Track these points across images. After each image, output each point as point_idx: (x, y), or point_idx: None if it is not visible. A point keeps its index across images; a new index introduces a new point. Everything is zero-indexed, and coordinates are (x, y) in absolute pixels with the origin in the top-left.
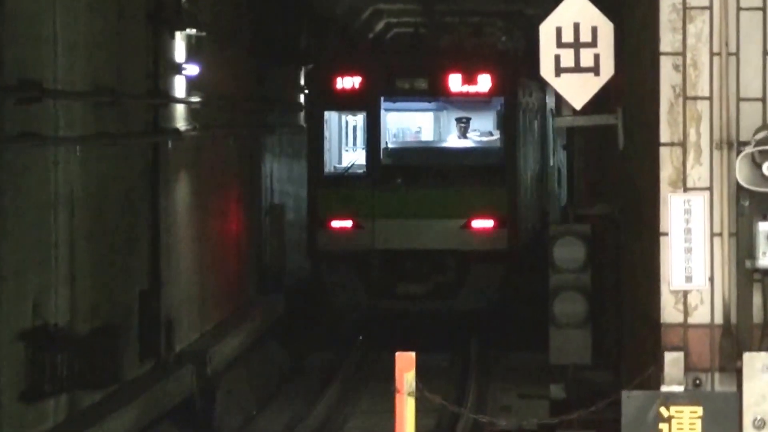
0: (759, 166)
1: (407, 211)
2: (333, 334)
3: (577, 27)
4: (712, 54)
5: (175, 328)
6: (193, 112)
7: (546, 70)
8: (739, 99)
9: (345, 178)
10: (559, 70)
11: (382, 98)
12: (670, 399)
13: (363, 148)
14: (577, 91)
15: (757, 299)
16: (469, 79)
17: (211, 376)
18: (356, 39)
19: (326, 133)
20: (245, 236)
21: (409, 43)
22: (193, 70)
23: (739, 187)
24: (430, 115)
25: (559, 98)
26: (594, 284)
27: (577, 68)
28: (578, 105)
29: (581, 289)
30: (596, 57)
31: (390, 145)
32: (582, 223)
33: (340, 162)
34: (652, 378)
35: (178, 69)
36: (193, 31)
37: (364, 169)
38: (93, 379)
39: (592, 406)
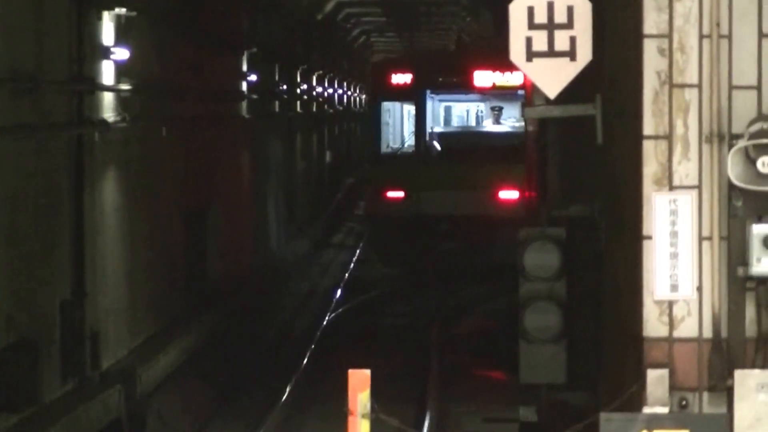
0: (753, 162)
1: (447, 183)
2: (278, 349)
3: (551, 6)
4: (701, 36)
5: (101, 343)
6: (122, 102)
7: (516, 54)
8: (731, 87)
9: (398, 157)
10: (530, 55)
11: (428, 91)
12: (654, 422)
13: (412, 132)
14: (551, 77)
15: (750, 311)
16: (499, 75)
17: (141, 397)
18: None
19: (388, 120)
20: (181, 241)
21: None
22: (122, 54)
23: (731, 185)
24: (476, 105)
25: (530, 86)
26: (570, 294)
27: (551, 52)
28: (552, 93)
29: (555, 300)
30: (572, 40)
31: (434, 129)
32: (556, 226)
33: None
34: (634, 399)
35: (105, 53)
36: (123, 10)
37: (413, 149)
38: (8, 400)
39: (567, 430)
